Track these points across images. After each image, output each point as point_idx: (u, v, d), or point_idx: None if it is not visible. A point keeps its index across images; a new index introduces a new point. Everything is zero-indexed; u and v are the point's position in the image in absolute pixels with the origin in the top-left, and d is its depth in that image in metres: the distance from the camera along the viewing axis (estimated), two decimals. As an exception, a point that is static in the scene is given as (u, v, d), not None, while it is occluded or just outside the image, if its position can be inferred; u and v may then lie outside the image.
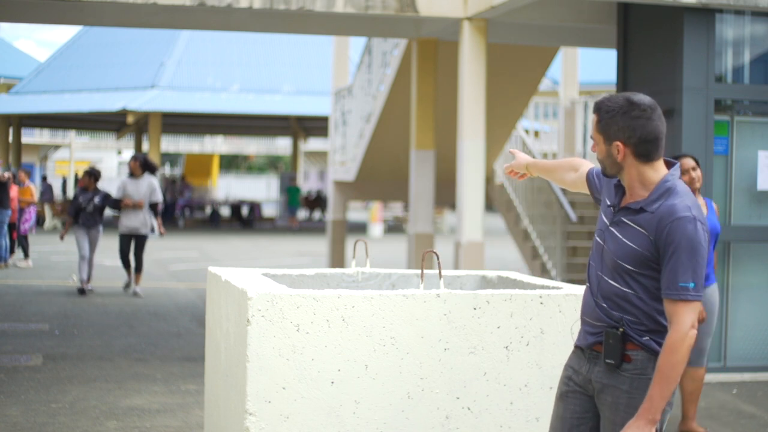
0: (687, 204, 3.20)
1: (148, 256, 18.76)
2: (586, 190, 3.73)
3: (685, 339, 3.10)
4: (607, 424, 3.31)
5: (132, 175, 13.21)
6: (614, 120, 3.25)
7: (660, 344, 3.24)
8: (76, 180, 34.52)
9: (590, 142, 14.04)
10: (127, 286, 13.59)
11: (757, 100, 8.87)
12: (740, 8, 8.36)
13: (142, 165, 13.15)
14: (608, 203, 3.41)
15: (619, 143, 3.25)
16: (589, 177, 3.67)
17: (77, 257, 13.53)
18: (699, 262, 3.14)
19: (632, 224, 3.26)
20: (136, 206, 12.94)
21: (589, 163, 3.75)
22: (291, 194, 34.42)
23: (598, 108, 3.31)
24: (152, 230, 13.36)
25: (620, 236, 3.28)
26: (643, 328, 3.24)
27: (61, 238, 13.63)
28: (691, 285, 3.12)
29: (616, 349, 3.24)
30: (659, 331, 3.25)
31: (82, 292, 13.09)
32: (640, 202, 3.26)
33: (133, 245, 13.09)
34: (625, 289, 3.25)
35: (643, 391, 3.23)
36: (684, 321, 3.11)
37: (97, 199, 13.08)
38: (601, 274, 3.33)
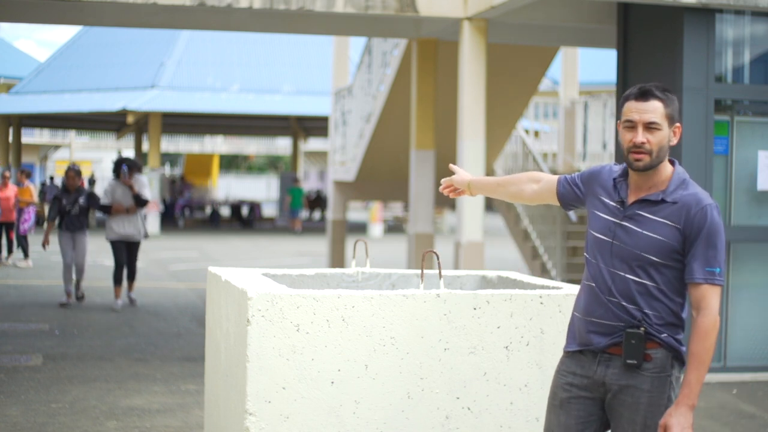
0: (706, 193, 3.31)
1: (147, 256, 18.79)
2: (549, 201, 3.68)
3: (716, 323, 3.19)
4: (625, 424, 3.30)
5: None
6: (676, 104, 3.34)
7: (677, 340, 3.29)
8: (92, 181, 34.27)
9: (590, 142, 14.11)
10: (115, 307, 11.89)
11: (757, 100, 8.86)
12: (740, 8, 8.36)
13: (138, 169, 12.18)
14: (610, 201, 3.39)
15: (678, 125, 3.34)
16: (562, 185, 3.60)
17: (61, 266, 12.28)
18: (723, 248, 3.25)
19: (653, 216, 3.28)
20: (129, 211, 11.81)
21: (552, 175, 3.70)
22: (294, 195, 33.37)
23: (658, 93, 3.29)
24: (145, 235, 12.24)
25: (639, 229, 3.29)
26: (662, 322, 3.27)
27: (44, 246, 12.23)
28: (718, 270, 3.21)
29: (638, 349, 3.25)
30: (676, 325, 3.29)
31: (65, 305, 11.95)
32: (659, 194, 3.29)
33: (125, 252, 11.95)
34: (646, 282, 3.27)
35: (662, 389, 3.26)
36: (713, 305, 3.20)
37: (82, 200, 11.92)
38: (614, 271, 3.31)
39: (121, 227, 11.83)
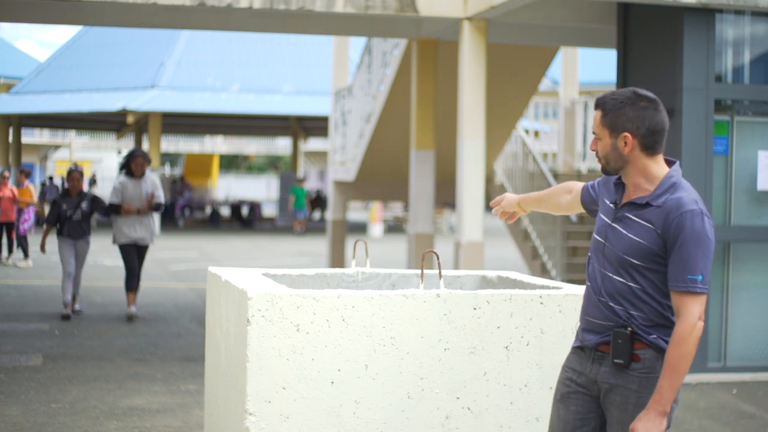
0: (693, 198, 3.24)
1: (148, 256, 18.74)
2: (582, 210, 3.75)
3: (693, 331, 3.13)
4: (615, 424, 3.32)
5: (131, 174, 11.06)
6: (623, 111, 3.28)
7: (667, 341, 3.26)
8: (93, 181, 34.08)
9: (590, 142, 14.10)
10: (131, 314, 11.09)
11: (757, 100, 8.87)
12: (740, 8, 8.36)
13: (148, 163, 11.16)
14: (608, 202, 3.42)
15: (627, 134, 3.28)
16: (585, 190, 3.68)
17: (61, 275, 11.34)
18: (707, 255, 3.17)
19: (638, 219, 3.28)
20: (141, 212, 10.91)
21: (581, 183, 3.77)
22: (297, 195, 32.30)
23: (603, 102, 3.33)
24: (152, 241, 11.28)
25: (625, 232, 3.29)
26: (650, 323, 3.26)
27: (42, 249, 11.30)
28: (700, 278, 3.16)
29: (625, 348, 3.25)
30: (666, 326, 3.27)
31: (67, 317, 10.93)
32: (646, 197, 3.28)
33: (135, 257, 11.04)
34: (631, 284, 3.27)
35: (652, 390, 3.25)
36: (692, 313, 3.14)
37: (84, 205, 11.02)
38: (604, 271, 3.33)
39: (132, 230, 10.91)
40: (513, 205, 4.09)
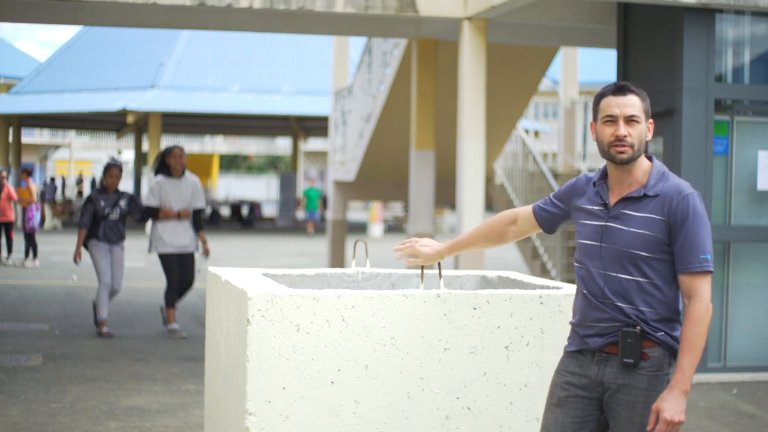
0: (686, 183, 3.34)
1: (148, 255, 18.74)
2: (532, 233, 3.73)
3: (708, 309, 3.21)
4: (623, 423, 3.32)
5: (170, 173, 9.84)
6: (648, 99, 3.38)
7: (674, 338, 3.30)
8: (79, 180, 33.92)
9: (590, 142, 14.09)
10: (167, 323, 10.05)
11: (757, 100, 8.87)
12: (740, 8, 8.36)
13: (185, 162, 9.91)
14: (592, 206, 3.42)
15: (652, 120, 3.39)
16: (540, 213, 3.63)
17: (97, 286, 9.96)
18: (710, 235, 3.27)
19: (637, 213, 3.31)
20: (182, 216, 9.79)
21: (524, 208, 3.72)
22: (310, 197, 31.76)
23: (635, 86, 3.36)
24: (197, 248, 10.07)
25: (625, 228, 3.31)
26: (659, 318, 3.28)
27: (76, 260, 9.96)
28: (708, 257, 3.24)
29: (634, 347, 3.27)
30: (674, 320, 3.31)
31: (103, 334, 9.78)
32: (641, 190, 3.33)
33: (179, 268, 9.92)
34: (639, 279, 3.29)
35: (660, 388, 3.27)
36: (705, 292, 3.23)
37: (123, 203, 9.78)
38: (607, 272, 3.33)
39: (175, 236, 9.78)
40: (434, 257, 3.89)
